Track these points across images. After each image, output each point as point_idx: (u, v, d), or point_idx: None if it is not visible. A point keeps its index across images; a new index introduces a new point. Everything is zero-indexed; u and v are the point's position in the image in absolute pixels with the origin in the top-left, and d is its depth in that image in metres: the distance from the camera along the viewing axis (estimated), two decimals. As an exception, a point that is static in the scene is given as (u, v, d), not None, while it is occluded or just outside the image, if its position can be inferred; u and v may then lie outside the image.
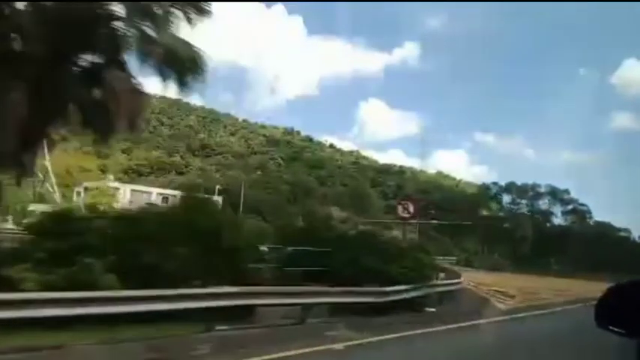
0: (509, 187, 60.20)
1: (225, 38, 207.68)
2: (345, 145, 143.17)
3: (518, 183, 57.97)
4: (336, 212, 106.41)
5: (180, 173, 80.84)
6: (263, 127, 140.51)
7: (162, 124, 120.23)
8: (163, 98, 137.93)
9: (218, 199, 59.34)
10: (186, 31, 12.37)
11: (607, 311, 1.80)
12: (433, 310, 14.46)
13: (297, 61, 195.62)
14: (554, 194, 58.00)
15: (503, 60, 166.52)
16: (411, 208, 17.52)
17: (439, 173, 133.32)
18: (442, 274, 21.38)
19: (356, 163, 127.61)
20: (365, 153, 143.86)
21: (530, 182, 58.76)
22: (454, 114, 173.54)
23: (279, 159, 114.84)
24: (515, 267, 47.12)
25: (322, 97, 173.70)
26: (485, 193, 61.36)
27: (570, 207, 58.26)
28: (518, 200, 58.33)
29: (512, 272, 44.46)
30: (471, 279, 29.06)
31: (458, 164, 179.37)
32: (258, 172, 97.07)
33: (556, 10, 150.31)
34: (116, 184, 47.65)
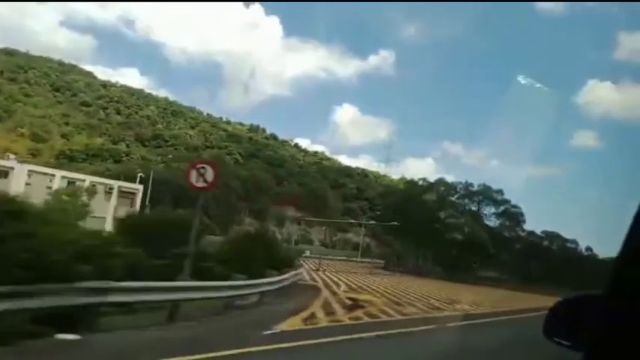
0: (438, 184, 54.61)
1: (203, 34, 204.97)
2: (316, 148, 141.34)
3: (450, 180, 54.41)
4: (290, 212, 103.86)
5: (117, 161, 76.28)
6: (228, 122, 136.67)
7: (118, 112, 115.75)
8: (124, 87, 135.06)
9: (139, 187, 55.78)
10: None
11: (555, 323, 1.83)
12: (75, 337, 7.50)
13: (273, 62, 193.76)
14: (487, 194, 52.46)
15: (473, 72, 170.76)
16: (210, 175, 13.46)
17: (402, 179, 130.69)
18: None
19: (318, 163, 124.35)
20: (336, 157, 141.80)
21: (463, 180, 55.79)
22: (424, 122, 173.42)
23: (238, 155, 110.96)
24: (444, 272, 43.91)
25: (295, 98, 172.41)
26: (412, 190, 57.25)
27: (502, 208, 52.39)
28: (449, 198, 54.38)
29: (435, 278, 41.10)
30: (355, 283, 25.72)
31: (425, 172, 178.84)
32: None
33: (531, 25, 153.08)
34: (12, 164, 43.20)
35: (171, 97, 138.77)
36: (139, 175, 55.62)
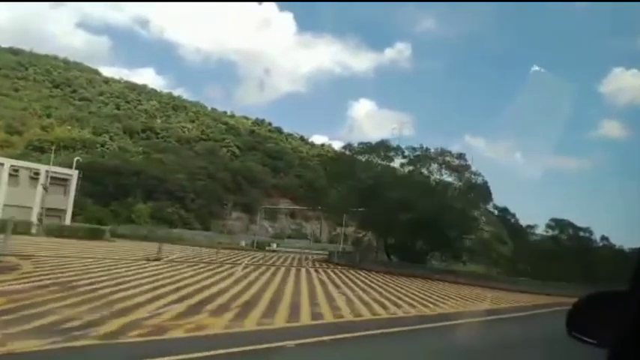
0: (379, 148, 41.75)
1: (217, 33, 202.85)
2: (335, 145, 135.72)
3: (394, 144, 43.19)
4: (285, 204, 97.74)
5: (89, 153, 72.75)
6: (232, 116, 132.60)
7: (117, 107, 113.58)
8: (128, 83, 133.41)
9: (72, 172, 51.33)
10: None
11: (579, 320, 1.80)
12: None
13: (287, 58, 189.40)
14: (442, 159, 40.27)
15: (494, 63, 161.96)
16: None
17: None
18: None
19: (322, 155, 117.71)
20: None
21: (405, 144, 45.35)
22: (443, 116, 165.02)
23: (235, 147, 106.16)
24: (395, 264, 36.31)
25: (311, 94, 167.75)
26: (342, 159, 47.60)
27: (468, 180, 40.33)
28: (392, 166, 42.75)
29: (369, 270, 33.97)
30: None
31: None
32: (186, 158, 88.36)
33: (549, 14, 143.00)
34: None
35: (185, 96, 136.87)
36: (76, 159, 50.96)
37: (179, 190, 74.49)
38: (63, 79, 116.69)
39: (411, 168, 41.79)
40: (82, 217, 60.20)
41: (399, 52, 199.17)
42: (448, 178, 40.64)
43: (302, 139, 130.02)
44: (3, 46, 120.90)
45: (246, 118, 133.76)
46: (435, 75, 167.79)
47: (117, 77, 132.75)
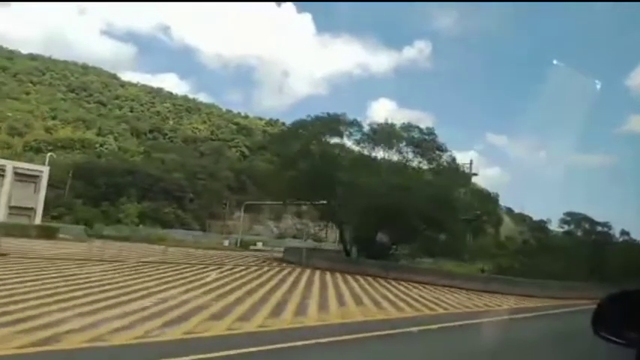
0: (326, 125, 34.62)
1: (235, 36, 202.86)
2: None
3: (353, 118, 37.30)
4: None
5: (85, 153, 71.91)
6: (245, 117, 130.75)
7: (131, 110, 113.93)
8: (144, 86, 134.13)
9: (42, 168, 49.60)
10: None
11: (604, 320, 1.76)
12: None
13: (306, 60, 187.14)
14: (406, 135, 34.01)
15: (515, 60, 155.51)
16: None
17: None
18: None
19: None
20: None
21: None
22: (465, 114, 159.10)
23: (244, 147, 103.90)
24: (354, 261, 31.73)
25: (331, 95, 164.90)
26: (288, 137, 40.90)
27: (443, 158, 34.37)
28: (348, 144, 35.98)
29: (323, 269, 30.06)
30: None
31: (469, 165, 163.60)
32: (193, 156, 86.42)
33: (570, 10, 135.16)
34: None
35: (204, 100, 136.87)
36: (49, 155, 49.25)
37: (177, 189, 72.42)
38: (79, 83, 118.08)
39: (369, 146, 35.59)
40: (70, 218, 58.98)
41: (419, 50, 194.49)
42: (418, 159, 34.97)
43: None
44: (24, 52, 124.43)
45: (260, 119, 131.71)
46: (456, 73, 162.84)
47: (134, 81, 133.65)
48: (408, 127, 35.12)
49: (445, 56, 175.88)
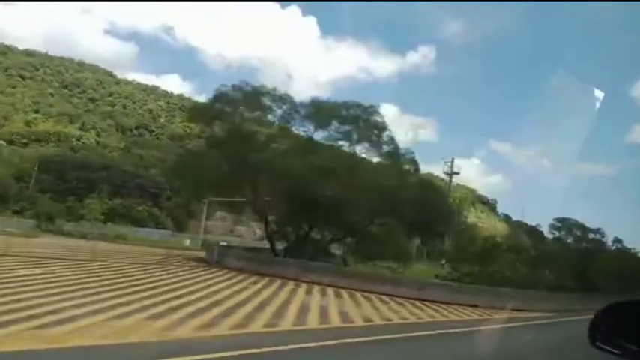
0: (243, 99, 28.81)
1: (239, 38, 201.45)
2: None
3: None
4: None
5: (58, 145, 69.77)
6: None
7: (125, 107, 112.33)
8: (139, 84, 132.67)
9: None
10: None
11: (601, 330, 1.73)
12: None
13: (310, 63, 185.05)
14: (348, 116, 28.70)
15: (520, 67, 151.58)
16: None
17: (429, 174, 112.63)
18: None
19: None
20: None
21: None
22: (468, 121, 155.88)
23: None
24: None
25: (334, 99, 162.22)
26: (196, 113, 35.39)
27: (386, 147, 29.56)
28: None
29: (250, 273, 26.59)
30: None
31: (472, 172, 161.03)
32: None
33: (575, 17, 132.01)
34: None
35: (205, 100, 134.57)
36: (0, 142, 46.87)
37: (153, 186, 69.69)
38: (73, 79, 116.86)
39: (297, 124, 30.04)
40: (31, 213, 56.48)
41: (423, 56, 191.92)
42: (355, 138, 29.91)
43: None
44: (20, 48, 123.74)
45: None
46: (460, 79, 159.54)
47: (130, 79, 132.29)
48: (346, 105, 29.91)
49: (449, 62, 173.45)
